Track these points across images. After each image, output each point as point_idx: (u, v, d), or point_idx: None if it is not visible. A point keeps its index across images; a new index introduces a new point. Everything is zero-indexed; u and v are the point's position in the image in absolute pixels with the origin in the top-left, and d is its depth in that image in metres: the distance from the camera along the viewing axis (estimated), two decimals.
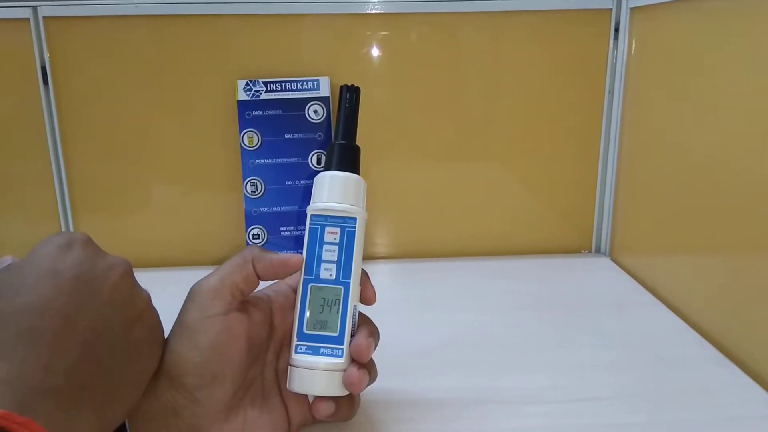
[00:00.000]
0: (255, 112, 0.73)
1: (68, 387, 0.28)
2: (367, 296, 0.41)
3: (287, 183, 0.74)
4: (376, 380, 0.41)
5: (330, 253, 0.40)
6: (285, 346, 0.41)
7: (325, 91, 0.73)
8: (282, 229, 0.75)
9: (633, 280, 0.70)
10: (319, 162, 0.74)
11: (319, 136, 0.74)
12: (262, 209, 0.74)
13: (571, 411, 0.44)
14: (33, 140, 0.74)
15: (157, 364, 0.35)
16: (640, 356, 0.52)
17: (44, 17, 0.71)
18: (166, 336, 0.36)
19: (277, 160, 0.74)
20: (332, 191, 0.40)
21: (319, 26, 0.73)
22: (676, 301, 0.62)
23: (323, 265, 0.39)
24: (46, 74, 0.72)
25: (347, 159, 0.41)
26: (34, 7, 0.70)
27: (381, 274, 0.75)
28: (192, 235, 0.78)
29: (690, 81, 0.60)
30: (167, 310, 0.37)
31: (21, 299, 0.29)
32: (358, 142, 0.42)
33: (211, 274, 0.38)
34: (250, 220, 0.75)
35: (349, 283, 0.39)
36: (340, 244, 0.40)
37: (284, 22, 0.73)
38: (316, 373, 0.38)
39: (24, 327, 0.28)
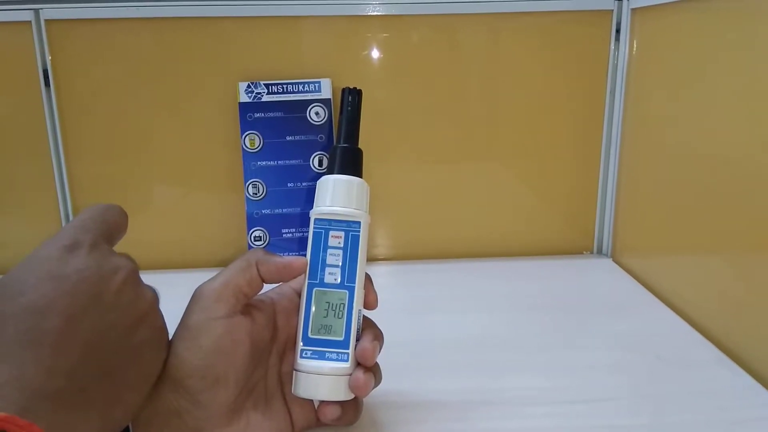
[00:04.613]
0: (256, 114, 0.73)
1: (70, 389, 0.28)
2: (369, 301, 0.41)
3: (289, 185, 0.74)
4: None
5: (334, 257, 0.40)
6: (288, 349, 0.41)
7: (326, 92, 0.73)
8: (284, 231, 0.75)
9: (635, 281, 0.70)
10: (320, 164, 0.74)
11: (321, 138, 0.74)
12: (263, 211, 0.75)
13: (572, 412, 0.44)
14: (34, 142, 0.74)
15: (160, 366, 0.35)
16: (643, 357, 0.52)
17: (46, 20, 0.71)
18: (169, 338, 0.37)
19: (279, 162, 0.74)
20: (336, 195, 0.40)
21: (320, 28, 0.73)
22: (679, 302, 0.62)
23: (328, 270, 0.39)
24: (48, 77, 0.72)
25: (350, 162, 0.41)
26: (36, 10, 0.71)
27: (382, 275, 0.75)
28: (193, 238, 0.78)
29: (691, 82, 0.60)
30: (169, 312, 0.37)
31: (23, 300, 0.28)
32: (359, 144, 0.42)
33: (215, 276, 0.38)
34: (252, 222, 0.75)
35: (354, 287, 0.39)
36: (344, 249, 0.40)
37: (285, 24, 0.73)
38: (321, 377, 0.38)
39: (25, 328, 0.28)
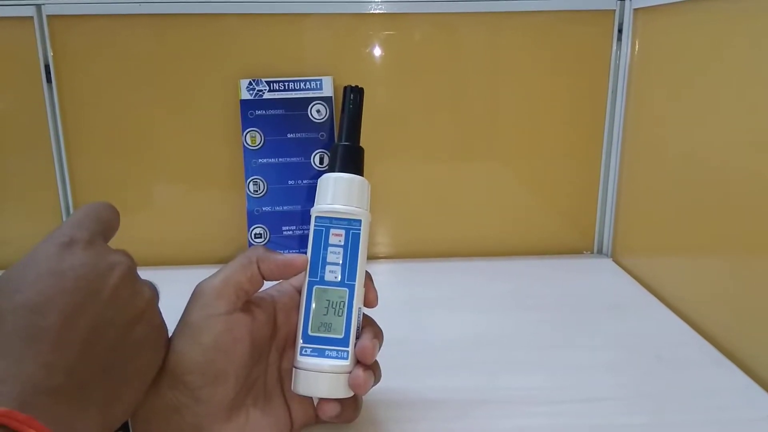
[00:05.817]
0: (258, 112, 0.73)
1: (69, 385, 0.28)
2: (370, 299, 0.41)
3: (290, 182, 0.74)
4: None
5: (335, 255, 0.40)
6: (288, 346, 0.41)
7: (327, 90, 0.73)
8: (284, 228, 0.75)
9: (634, 281, 0.70)
10: (321, 162, 0.74)
11: (322, 135, 0.74)
12: (264, 208, 0.75)
13: (571, 411, 0.45)
14: (36, 138, 0.74)
15: (159, 363, 0.35)
16: (641, 357, 0.52)
17: (48, 15, 0.71)
18: (170, 335, 0.37)
19: (280, 159, 0.74)
20: (337, 193, 0.40)
21: (321, 26, 0.73)
22: (677, 302, 0.62)
23: (328, 267, 0.40)
24: (50, 72, 0.72)
25: (351, 160, 0.41)
26: (38, 6, 0.71)
27: (382, 273, 0.75)
28: (194, 234, 0.78)
29: (693, 82, 0.60)
30: (169, 309, 0.37)
31: (21, 297, 0.28)
32: (360, 142, 0.42)
33: (215, 273, 0.38)
34: (253, 219, 0.75)
35: (354, 285, 0.39)
36: (345, 246, 0.40)
37: (287, 21, 0.73)
38: (321, 375, 0.38)
39: (24, 325, 0.28)
